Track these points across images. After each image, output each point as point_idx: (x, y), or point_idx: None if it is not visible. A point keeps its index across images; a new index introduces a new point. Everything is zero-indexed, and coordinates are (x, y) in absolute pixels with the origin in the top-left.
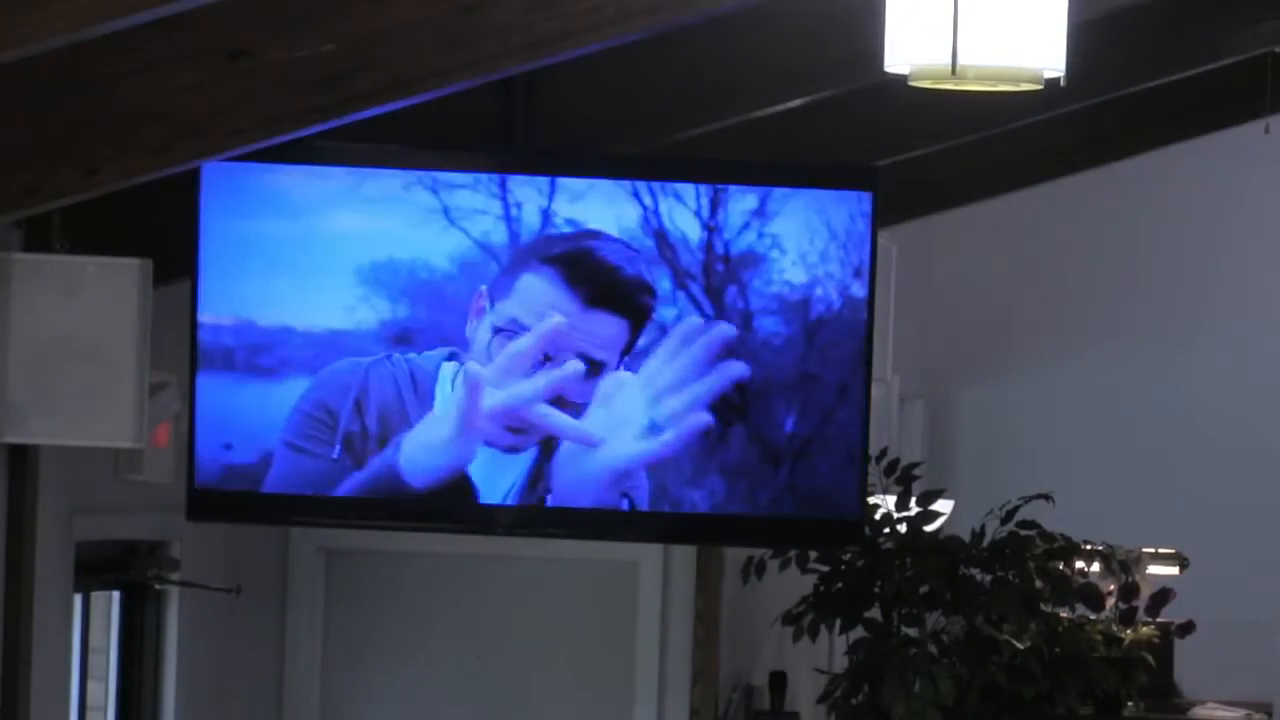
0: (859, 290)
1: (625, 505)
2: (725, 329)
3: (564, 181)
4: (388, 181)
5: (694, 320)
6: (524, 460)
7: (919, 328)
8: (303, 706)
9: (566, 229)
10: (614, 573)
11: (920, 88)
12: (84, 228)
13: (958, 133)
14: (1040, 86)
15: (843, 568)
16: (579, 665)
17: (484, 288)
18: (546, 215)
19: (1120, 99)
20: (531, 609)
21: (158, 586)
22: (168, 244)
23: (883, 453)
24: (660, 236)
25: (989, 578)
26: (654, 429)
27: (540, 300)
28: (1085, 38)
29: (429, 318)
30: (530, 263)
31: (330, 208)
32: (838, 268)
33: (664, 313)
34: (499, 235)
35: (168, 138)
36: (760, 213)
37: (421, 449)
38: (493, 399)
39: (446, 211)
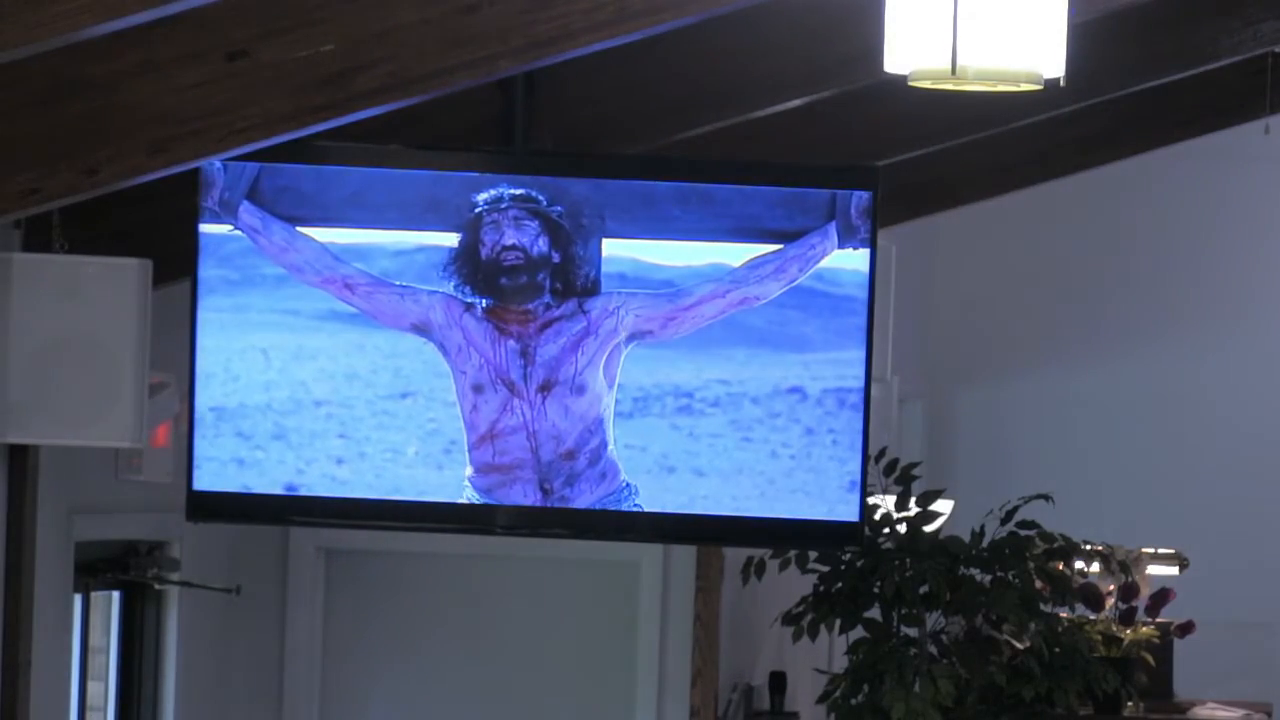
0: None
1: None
2: None
3: None
4: None
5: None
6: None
7: (919, 328)
8: (303, 706)
9: None
10: (614, 573)
11: (920, 88)
12: (84, 228)
13: (958, 133)
14: (1040, 86)
15: (842, 568)
16: (579, 665)
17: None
18: None
19: (1120, 99)
20: (531, 609)
21: (158, 586)
22: (168, 244)
23: (882, 452)
24: None
25: (989, 578)
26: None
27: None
28: (1085, 38)
29: None
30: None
31: None
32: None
33: None
34: None
35: (168, 138)
36: None
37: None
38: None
39: None
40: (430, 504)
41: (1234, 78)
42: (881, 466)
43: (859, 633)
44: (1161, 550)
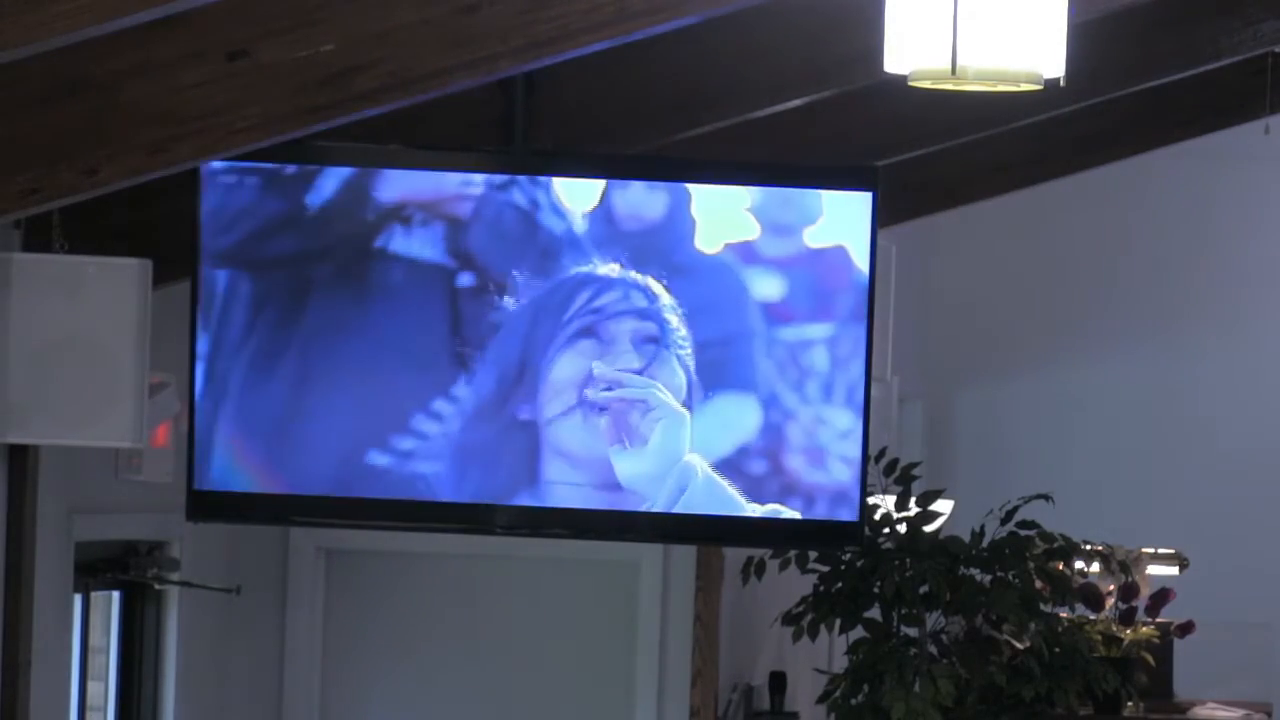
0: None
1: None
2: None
3: None
4: None
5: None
6: None
7: (919, 328)
8: (303, 706)
9: None
10: (614, 573)
11: (920, 88)
12: (84, 228)
13: (958, 133)
14: (1040, 87)
15: (842, 568)
16: (579, 665)
17: None
18: None
19: (1120, 99)
20: (531, 609)
21: (158, 586)
22: (168, 244)
23: (882, 452)
24: None
25: (989, 578)
26: None
27: None
28: (1085, 38)
29: None
30: None
31: None
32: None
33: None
34: None
35: (168, 138)
36: None
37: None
38: None
39: None
40: (430, 504)
41: (1234, 78)
42: (881, 466)
43: (859, 633)
44: (1161, 550)
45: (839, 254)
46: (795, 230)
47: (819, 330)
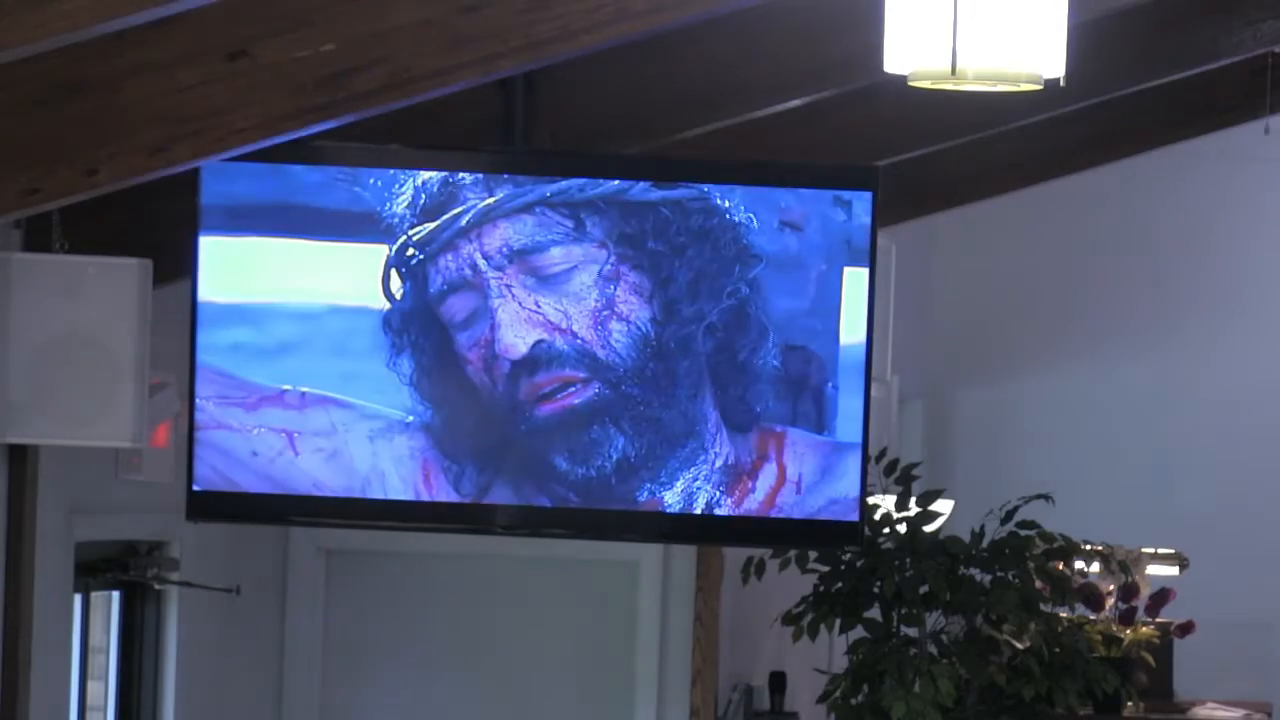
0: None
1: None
2: None
3: None
4: None
5: None
6: None
7: (919, 328)
8: (303, 706)
9: None
10: (614, 573)
11: (920, 88)
12: (84, 228)
13: (958, 133)
14: (1040, 87)
15: (842, 568)
16: (579, 665)
17: None
18: None
19: (1120, 99)
20: (531, 609)
21: (158, 586)
22: (168, 244)
23: (882, 453)
24: None
25: (989, 578)
26: None
27: None
28: (1085, 38)
29: None
30: None
31: None
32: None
33: None
34: None
35: (168, 138)
36: None
37: None
38: None
39: None
40: (430, 504)
41: (1234, 78)
42: (881, 466)
43: (859, 633)
44: (1161, 550)
45: None
46: None
47: None
